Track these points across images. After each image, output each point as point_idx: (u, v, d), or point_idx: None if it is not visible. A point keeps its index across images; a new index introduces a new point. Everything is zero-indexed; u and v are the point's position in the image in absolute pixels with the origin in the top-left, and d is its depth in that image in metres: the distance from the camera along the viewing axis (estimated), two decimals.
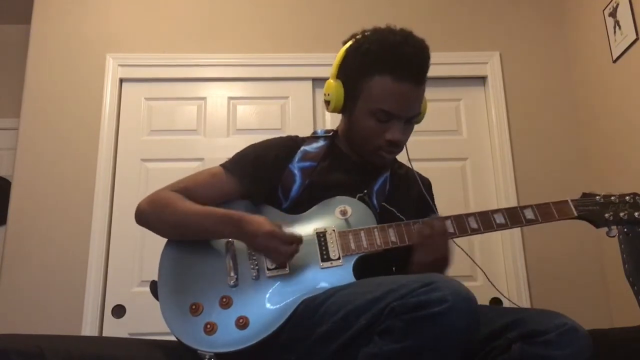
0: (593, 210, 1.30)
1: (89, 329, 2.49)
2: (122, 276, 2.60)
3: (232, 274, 1.24)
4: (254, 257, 1.26)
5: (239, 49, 2.91)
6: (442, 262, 1.26)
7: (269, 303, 1.20)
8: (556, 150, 2.84)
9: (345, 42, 1.39)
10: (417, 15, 2.97)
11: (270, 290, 1.21)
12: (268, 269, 1.25)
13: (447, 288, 0.96)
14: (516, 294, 2.61)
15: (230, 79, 2.90)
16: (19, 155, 2.72)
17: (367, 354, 1.01)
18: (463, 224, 1.29)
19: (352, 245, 1.26)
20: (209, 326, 1.18)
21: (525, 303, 2.59)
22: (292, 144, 1.44)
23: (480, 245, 2.70)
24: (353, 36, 1.38)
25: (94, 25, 2.91)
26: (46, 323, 2.45)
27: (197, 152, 2.78)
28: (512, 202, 2.69)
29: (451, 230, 1.28)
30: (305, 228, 1.30)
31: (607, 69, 2.63)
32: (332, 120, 2.80)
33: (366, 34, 1.36)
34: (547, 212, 1.30)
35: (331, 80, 1.38)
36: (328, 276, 1.23)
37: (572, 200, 1.31)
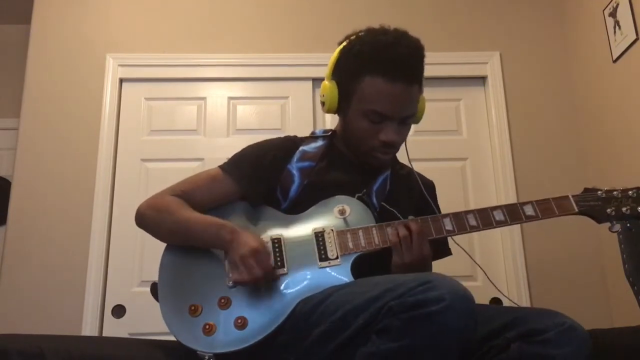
0: (595, 205, 1.28)
1: (89, 329, 2.49)
2: (122, 276, 2.60)
3: (230, 275, 1.24)
4: None
5: (239, 49, 2.91)
6: (420, 263, 1.24)
7: (267, 303, 1.20)
8: (556, 150, 2.83)
9: (339, 43, 1.39)
10: (417, 15, 2.97)
11: (269, 291, 1.21)
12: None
13: (445, 287, 0.96)
14: (516, 294, 2.60)
15: (230, 79, 2.90)
16: (19, 155, 2.72)
17: (365, 353, 1.01)
18: (462, 221, 1.28)
19: (350, 245, 1.26)
20: (207, 327, 1.18)
21: (525, 303, 2.59)
22: (290, 144, 1.44)
23: (480, 245, 2.70)
24: (347, 37, 1.39)
25: (94, 25, 2.91)
26: (46, 323, 2.45)
27: (197, 152, 2.79)
28: (512, 202, 2.69)
29: (450, 227, 1.28)
30: (304, 227, 1.30)
31: (607, 69, 2.63)
32: (332, 121, 2.80)
33: (359, 34, 1.36)
34: (547, 208, 1.28)
35: (326, 82, 1.39)
36: (326, 276, 1.23)
37: (573, 196, 1.29)
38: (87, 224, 2.62)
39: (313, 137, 1.48)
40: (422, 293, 0.96)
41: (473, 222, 1.28)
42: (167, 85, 2.88)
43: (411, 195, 1.47)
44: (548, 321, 1.05)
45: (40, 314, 2.49)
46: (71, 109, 2.78)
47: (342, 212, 1.31)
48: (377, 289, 1.04)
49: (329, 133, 1.49)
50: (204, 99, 2.88)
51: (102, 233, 2.62)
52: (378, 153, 1.36)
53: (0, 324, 2.42)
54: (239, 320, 1.18)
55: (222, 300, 1.22)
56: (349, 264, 1.24)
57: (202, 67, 2.88)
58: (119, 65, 2.85)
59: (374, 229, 1.28)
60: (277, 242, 1.28)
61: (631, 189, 1.29)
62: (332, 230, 1.28)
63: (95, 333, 2.49)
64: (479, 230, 1.29)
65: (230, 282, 1.23)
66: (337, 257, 1.25)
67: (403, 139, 1.38)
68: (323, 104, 1.40)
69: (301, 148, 1.43)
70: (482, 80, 2.96)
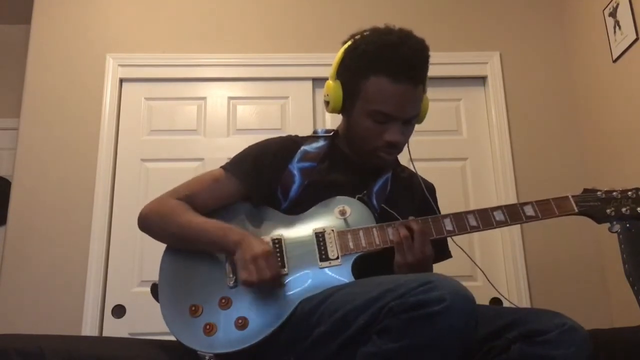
0: (594, 205, 1.28)
1: (89, 329, 2.49)
2: (122, 276, 2.60)
3: (231, 275, 1.24)
4: None
5: (239, 49, 2.91)
6: (422, 263, 1.23)
7: (267, 304, 1.20)
8: (556, 150, 2.84)
9: (344, 43, 1.39)
10: (417, 15, 2.97)
11: (269, 291, 1.21)
12: None
13: (446, 287, 0.96)
14: (516, 294, 2.61)
15: (230, 79, 2.90)
16: (19, 155, 2.72)
17: (366, 354, 1.01)
18: (462, 222, 1.28)
19: (351, 245, 1.26)
20: (208, 327, 1.18)
21: (525, 303, 2.59)
22: (291, 144, 1.44)
23: (481, 245, 2.70)
24: (352, 37, 1.38)
25: (94, 25, 2.91)
26: (46, 323, 2.45)
27: (197, 152, 2.79)
28: (512, 202, 2.69)
29: (450, 228, 1.28)
30: (304, 228, 1.30)
31: (607, 69, 2.63)
32: (332, 121, 2.80)
33: (364, 34, 1.35)
34: (547, 209, 1.29)
35: (330, 81, 1.38)
36: (327, 276, 1.23)
37: (572, 196, 1.30)
38: (87, 224, 2.62)
39: (315, 137, 1.48)
40: (423, 293, 0.96)
41: (473, 223, 1.28)
42: (167, 85, 2.88)
43: (412, 198, 1.47)
44: (549, 322, 1.05)
45: (40, 314, 2.49)
46: (71, 109, 2.78)
47: (342, 213, 1.31)
48: (377, 289, 1.04)
49: (331, 133, 1.48)
50: (204, 99, 2.88)
51: (102, 233, 2.62)
52: (382, 153, 1.36)
53: (0, 324, 2.42)
54: (240, 321, 1.18)
55: (223, 301, 1.22)
56: (349, 264, 1.24)
57: (202, 67, 2.88)
58: (119, 65, 2.85)
59: (374, 229, 1.28)
60: (277, 242, 1.28)
61: (630, 190, 1.29)
62: (333, 230, 1.28)
63: (95, 333, 2.49)
64: (480, 231, 1.29)
65: (232, 282, 1.23)
66: (337, 258, 1.25)
67: (407, 139, 1.38)
68: (327, 103, 1.39)
69: (302, 148, 1.43)
70: (482, 80, 2.96)
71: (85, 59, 2.85)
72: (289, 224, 1.32)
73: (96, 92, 2.80)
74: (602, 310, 2.61)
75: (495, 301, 2.51)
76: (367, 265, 1.25)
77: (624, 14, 2.49)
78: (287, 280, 1.23)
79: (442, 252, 1.45)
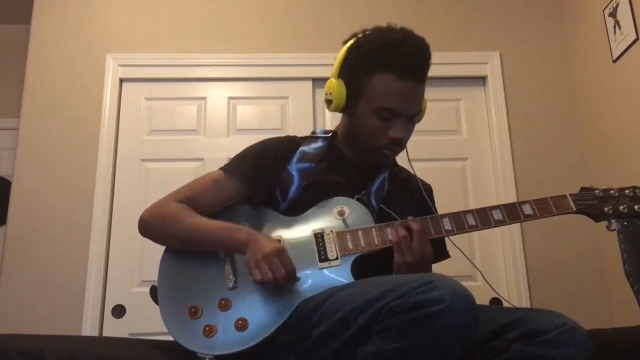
0: (592, 204, 1.29)
1: (89, 329, 2.49)
2: (122, 276, 2.60)
3: (230, 276, 1.24)
4: None
5: (239, 49, 2.91)
6: (422, 262, 1.23)
7: (267, 304, 1.20)
8: (556, 150, 2.84)
9: (345, 42, 1.39)
10: (417, 15, 2.97)
11: (269, 292, 1.21)
12: None
13: (446, 287, 0.96)
14: (516, 294, 2.61)
15: (230, 79, 2.90)
16: (19, 155, 2.72)
17: (366, 354, 1.01)
18: (461, 221, 1.28)
19: (350, 245, 1.26)
20: (208, 328, 1.18)
21: (525, 303, 2.59)
22: (290, 144, 1.44)
23: (480, 245, 2.70)
24: (354, 35, 1.38)
25: (94, 25, 2.91)
26: (46, 323, 2.45)
27: (197, 152, 2.79)
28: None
29: (449, 227, 1.28)
30: (303, 229, 1.30)
31: (607, 69, 2.63)
32: (332, 121, 2.80)
33: (367, 32, 1.36)
34: (545, 207, 1.29)
35: (333, 80, 1.38)
36: (326, 276, 1.23)
37: (570, 195, 1.30)
38: (87, 224, 2.62)
39: (313, 137, 1.48)
40: (423, 293, 0.96)
41: (472, 222, 1.28)
42: (167, 85, 2.88)
43: (410, 198, 1.47)
44: (549, 322, 1.05)
45: (40, 314, 2.49)
46: (71, 109, 2.78)
47: (341, 213, 1.31)
48: (377, 289, 1.04)
49: (329, 134, 1.48)
50: (204, 99, 2.88)
51: (102, 233, 2.62)
52: (386, 150, 1.36)
53: (0, 324, 2.42)
54: (240, 322, 1.18)
55: (222, 302, 1.21)
56: (349, 265, 1.24)
57: (202, 67, 2.88)
58: (119, 65, 2.85)
59: (373, 229, 1.28)
60: None
61: (627, 188, 1.30)
62: (332, 231, 1.28)
63: (95, 333, 2.49)
64: (478, 230, 1.29)
65: (231, 284, 1.23)
66: (337, 258, 1.25)
67: (409, 136, 1.38)
68: (329, 102, 1.39)
69: (301, 148, 1.43)
70: (482, 80, 2.96)
71: (85, 59, 2.85)
72: (288, 225, 1.31)
73: (96, 92, 2.80)
74: (602, 310, 2.61)
75: (495, 301, 2.51)
76: (366, 265, 1.25)
77: (624, 14, 2.49)
78: None
79: (440, 253, 1.45)
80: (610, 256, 2.59)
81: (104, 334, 2.51)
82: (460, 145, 2.88)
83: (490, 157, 2.86)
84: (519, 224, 2.67)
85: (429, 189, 1.53)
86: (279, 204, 1.36)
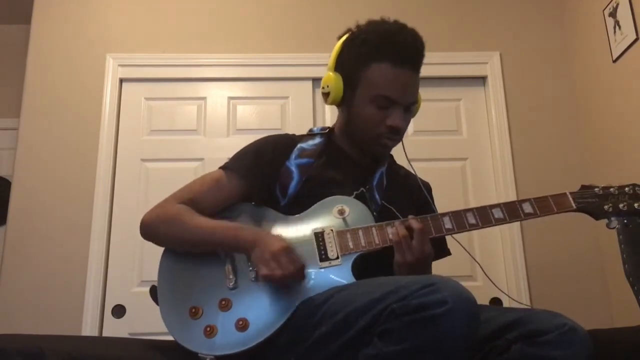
0: (592, 202, 1.29)
1: (89, 329, 2.49)
2: (122, 276, 2.60)
3: (230, 276, 1.24)
4: None
5: (239, 49, 2.91)
6: (422, 261, 1.23)
7: (268, 304, 1.19)
8: (556, 150, 2.84)
9: (340, 37, 1.41)
10: (417, 15, 2.96)
11: (270, 292, 1.21)
12: None
13: (448, 290, 0.96)
14: (516, 294, 2.60)
15: (230, 79, 2.90)
16: (19, 155, 2.72)
17: (367, 356, 1.01)
18: (461, 220, 1.28)
19: (350, 244, 1.26)
20: (208, 329, 1.18)
21: (525, 303, 2.59)
22: (288, 141, 1.44)
23: (480, 245, 2.70)
24: (348, 30, 1.41)
25: (94, 25, 2.91)
26: (46, 323, 2.45)
27: (197, 152, 2.79)
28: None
29: (449, 226, 1.28)
30: (303, 228, 1.30)
31: (607, 69, 2.63)
32: (332, 121, 2.79)
33: (361, 26, 1.39)
34: (545, 206, 1.29)
35: (329, 73, 1.39)
36: (327, 276, 1.23)
37: (570, 193, 1.30)
38: (87, 224, 2.62)
39: (311, 135, 1.48)
40: (425, 296, 0.96)
41: (472, 221, 1.28)
42: (167, 85, 2.88)
43: (410, 196, 1.47)
44: (549, 323, 1.05)
45: (40, 314, 2.49)
46: (71, 109, 2.78)
47: (341, 212, 1.31)
48: (379, 291, 1.03)
49: (327, 130, 1.49)
50: (204, 99, 2.88)
51: (102, 233, 2.62)
52: (385, 139, 1.37)
53: (0, 324, 2.42)
54: (240, 322, 1.18)
55: (223, 302, 1.21)
56: (349, 264, 1.24)
57: (202, 67, 2.88)
58: (119, 65, 2.85)
59: (373, 228, 1.28)
60: None
61: (627, 186, 1.31)
62: (332, 230, 1.28)
63: (95, 333, 2.49)
64: (478, 228, 1.28)
65: (231, 284, 1.22)
66: (337, 257, 1.25)
67: (407, 125, 1.39)
68: (326, 95, 1.40)
69: (299, 145, 1.43)
70: (482, 80, 2.96)
71: (85, 59, 2.85)
72: (288, 224, 1.31)
73: (96, 92, 2.80)
74: (602, 310, 2.61)
75: (495, 301, 2.52)
76: (367, 264, 1.25)
77: (624, 14, 2.49)
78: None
79: (441, 250, 1.45)
80: (610, 256, 2.59)
81: (104, 334, 2.51)
82: (460, 145, 2.88)
83: (490, 157, 2.86)
84: (519, 224, 2.67)
85: (428, 187, 1.53)
86: (279, 201, 1.36)
